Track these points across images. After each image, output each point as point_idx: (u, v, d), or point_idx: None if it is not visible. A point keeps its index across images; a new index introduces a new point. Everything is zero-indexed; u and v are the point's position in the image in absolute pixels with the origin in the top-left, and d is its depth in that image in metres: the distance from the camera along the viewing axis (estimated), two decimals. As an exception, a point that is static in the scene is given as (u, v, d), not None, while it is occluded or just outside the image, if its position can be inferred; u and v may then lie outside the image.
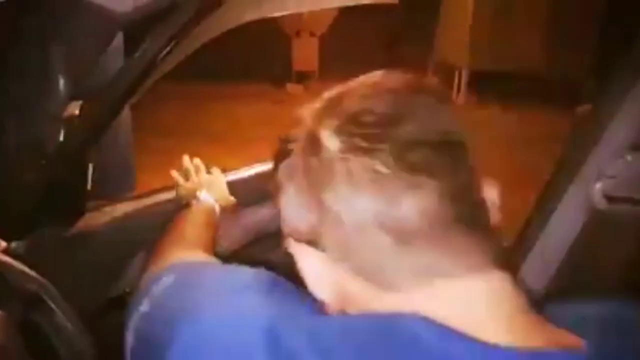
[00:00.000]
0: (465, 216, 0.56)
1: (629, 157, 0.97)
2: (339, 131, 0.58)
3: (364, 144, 0.55)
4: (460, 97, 8.03)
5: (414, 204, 0.53)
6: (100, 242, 1.62)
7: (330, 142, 0.58)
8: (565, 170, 1.09)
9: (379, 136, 0.55)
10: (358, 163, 0.54)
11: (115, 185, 3.82)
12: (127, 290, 1.57)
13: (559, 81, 7.50)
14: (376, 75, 0.69)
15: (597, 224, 1.03)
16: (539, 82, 7.55)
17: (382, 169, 0.53)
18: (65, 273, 1.37)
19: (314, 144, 0.60)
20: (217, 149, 5.52)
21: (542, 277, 0.99)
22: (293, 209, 0.62)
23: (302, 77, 9.09)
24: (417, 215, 0.53)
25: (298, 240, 0.62)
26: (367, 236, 0.54)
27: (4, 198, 1.25)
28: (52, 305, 1.10)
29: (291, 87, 9.01)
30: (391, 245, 0.53)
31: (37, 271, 1.18)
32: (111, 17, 0.82)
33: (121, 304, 1.27)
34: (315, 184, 0.58)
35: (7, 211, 1.31)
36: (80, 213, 1.53)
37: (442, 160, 0.56)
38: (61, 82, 1.17)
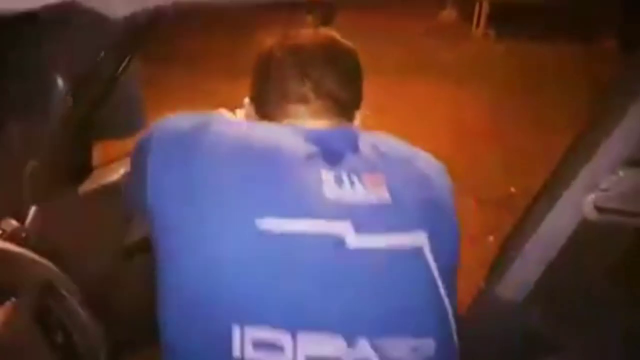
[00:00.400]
0: None
1: (621, 173, 0.97)
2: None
3: None
4: (479, 30, 7.80)
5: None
6: (111, 195, 1.64)
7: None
8: (558, 182, 1.09)
9: None
10: None
11: (125, 125, 3.86)
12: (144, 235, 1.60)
13: (582, 16, 7.21)
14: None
15: (585, 234, 1.05)
16: (562, 17, 7.25)
17: None
18: (80, 232, 1.42)
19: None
20: (236, 85, 5.46)
21: (523, 286, 1.01)
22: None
23: (313, 8, 8.74)
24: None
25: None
26: None
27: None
28: (64, 292, 1.16)
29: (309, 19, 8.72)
30: None
31: (53, 237, 1.23)
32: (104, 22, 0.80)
33: (142, 248, 1.33)
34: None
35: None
36: (88, 170, 1.53)
37: None
38: (59, 81, 1.16)
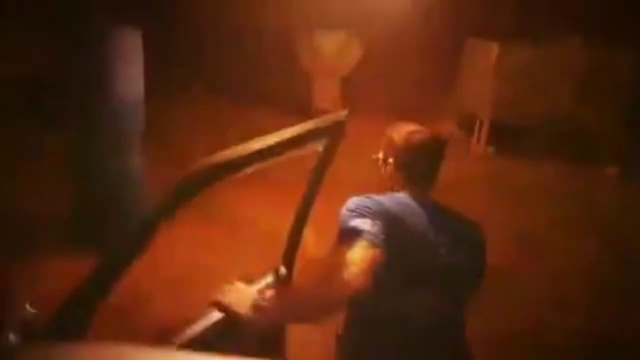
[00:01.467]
0: None
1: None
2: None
3: None
4: (479, 147, 7.91)
5: None
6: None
7: None
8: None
9: None
10: None
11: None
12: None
13: (584, 136, 7.37)
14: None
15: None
16: (563, 137, 7.40)
17: None
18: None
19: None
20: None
21: None
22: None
23: (322, 115, 9.04)
24: None
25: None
26: None
27: None
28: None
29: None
30: None
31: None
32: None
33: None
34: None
35: None
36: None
37: None
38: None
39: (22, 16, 9.67)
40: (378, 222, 1.44)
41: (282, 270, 2.00)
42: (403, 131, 1.70)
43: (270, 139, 1.39)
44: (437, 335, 1.53)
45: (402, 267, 1.47)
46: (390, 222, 1.47)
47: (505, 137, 7.63)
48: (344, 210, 1.53)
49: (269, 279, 1.95)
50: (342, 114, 1.68)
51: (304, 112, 9.13)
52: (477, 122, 7.93)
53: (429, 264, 1.53)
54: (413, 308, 1.49)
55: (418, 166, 1.68)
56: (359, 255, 1.35)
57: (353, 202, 1.55)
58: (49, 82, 6.19)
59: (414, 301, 1.49)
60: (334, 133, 1.69)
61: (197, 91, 9.66)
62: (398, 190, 1.67)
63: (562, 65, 7.41)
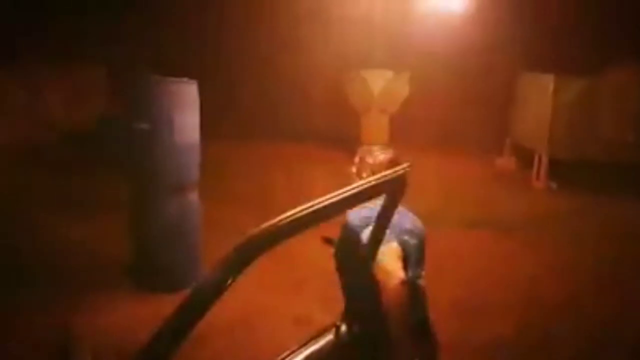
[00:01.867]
0: None
1: None
2: None
3: None
4: (540, 182, 7.56)
5: None
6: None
7: None
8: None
9: None
10: None
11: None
12: None
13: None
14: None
15: None
16: (625, 171, 7.01)
17: None
18: None
19: None
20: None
21: None
22: None
23: (370, 151, 9.05)
24: None
25: None
26: None
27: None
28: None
29: (359, 161, 8.97)
30: None
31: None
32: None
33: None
34: None
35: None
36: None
37: None
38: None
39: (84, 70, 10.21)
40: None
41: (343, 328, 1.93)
42: (374, 154, 2.21)
43: (332, 198, 1.36)
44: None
45: None
46: None
47: (566, 172, 7.30)
48: (350, 226, 2.09)
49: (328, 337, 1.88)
50: (403, 167, 1.65)
51: (352, 148, 9.14)
52: (536, 157, 7.64)
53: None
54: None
55: None
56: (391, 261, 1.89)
57: (354, 217, 2.08)
58: (110, 133, 6.48)
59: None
60: (395, 188, 1.67)
61: (250, 131, 9.84)
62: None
63: (621, 95, 7.10)
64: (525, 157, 8.02)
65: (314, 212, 1.30)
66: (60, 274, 4.20)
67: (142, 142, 3.93)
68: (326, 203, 1.34)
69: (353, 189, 1.45)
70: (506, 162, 8.56)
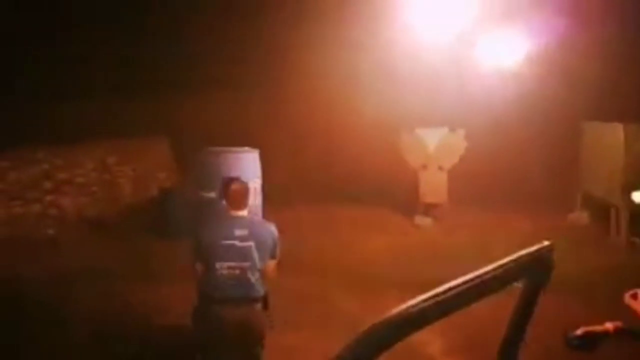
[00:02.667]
0: None
1: None
2: None
3: None
4: (620, 237, 7.00)
5: None
6: None
7: None
8: None
9: None
10: None
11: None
12: None
13: None
14: None
15: None
16: None
17: None
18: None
19: None
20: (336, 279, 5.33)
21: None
22: None
23: (430, 210, 8.91)
24: None
25: None
26: None
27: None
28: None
29: (419, 219, 8.82)
30: None
31: None
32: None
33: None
34: None
35: None
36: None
37: None
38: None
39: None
40: None
41: None
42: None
43: (459, 284, 1.16)
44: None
45: None
46: None
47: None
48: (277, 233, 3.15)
49: None
50: (548, 245, 1.37)
51: (411, 206, 9.06)
52: (612, 210, 7.18)
53: None
54: None
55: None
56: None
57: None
58: (173, 204, 6.73)
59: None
60: (537, 270, 1.36)
61: (309, 194, 9.94)
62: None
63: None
64: (598, 211, 7.58)
65: (442, 301, 1.10)
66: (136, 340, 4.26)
67: (207, 210, 4.07)
68: (458, 288, 1.13)
69: (484, 273, 1.19)
70: (579, 216, 8.12)
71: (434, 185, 8.84)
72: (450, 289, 1.10)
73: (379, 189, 9.73)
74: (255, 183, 4.23)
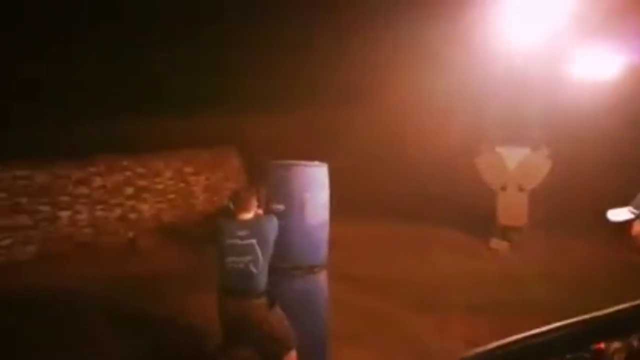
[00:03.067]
0: None
1: None
2: None
3: None
4: None
5: None
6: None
7: None
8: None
9: None
10: None
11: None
12: None
13: None
14: None
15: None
16: None
17: None
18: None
19: None
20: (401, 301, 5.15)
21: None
22: None
23: (507, 233, 8.44)
24: None
25: None
26: None
27: None
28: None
29: (495, 243, 8.37)
30: None
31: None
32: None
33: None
34: None
35: None
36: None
37: None
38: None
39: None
40: None
41: None
42: None
43: (562, 327, 1.00)
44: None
45: None
46: None
47: None
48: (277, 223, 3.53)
49: None
50: None
51: (487, 228, 8.65)
52: None
53: None
54: None
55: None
56: None
57: None
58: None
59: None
60: None
61: (378, 211, 9.80)
62: None
63: None
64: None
65: (550, 341, 0.96)
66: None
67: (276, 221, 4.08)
68: (567, 331, 0.98)
69: (603, 315, 0.99)
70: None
71: (513, 207, 8.37)
72: (551, 330, 0.95)
73: (455, 208, 9.40)
74: (323, 197, 4.17)
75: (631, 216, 1.86)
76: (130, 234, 8.14)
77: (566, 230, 7.98)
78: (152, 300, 5.52)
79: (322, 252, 4.14)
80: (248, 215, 3.50)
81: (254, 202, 3.55)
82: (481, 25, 7.49)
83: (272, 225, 3.49)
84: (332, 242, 4.18)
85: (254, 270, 3.34)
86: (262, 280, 3.38)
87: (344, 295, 5.43)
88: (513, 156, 8.47)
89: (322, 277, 4.16)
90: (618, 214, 1.88)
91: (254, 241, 3.36)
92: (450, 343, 4.29)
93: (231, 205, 3.52)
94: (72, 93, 13.11)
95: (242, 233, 3.38)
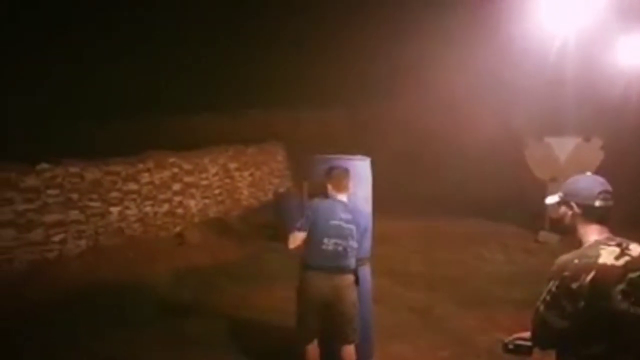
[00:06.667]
0: None
1: None
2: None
3: None
4: None
5: None
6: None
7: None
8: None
9: None
10: None
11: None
12: None
13: None
14: None
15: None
16: None
17: None
18: None
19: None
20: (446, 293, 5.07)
21: None
22: None
23: (557, 225, 8.15)
24: None
25: None
26: None
27: None
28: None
29: (544, 236, 8.10)
30: None
31: None
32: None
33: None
34: None
35: None
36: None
37: None
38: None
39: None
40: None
41: None
42: None
43: None
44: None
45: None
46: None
47: None
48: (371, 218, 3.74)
49: None
50: None
51: (536, 221, 8.39)
52: None
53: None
54: None
55: None
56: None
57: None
58: (286, 207, 6.90)
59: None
60: None
61: (423, 207, 9.69)
62: None
63: None
64: None
65: None
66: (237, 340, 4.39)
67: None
68: None
69: None
70: None
71: (563, 199, 8.08)
72: None
73: (503, 201, 9.17)
74: (365, 191, 4.14)
75: (557, 199, 1.99)
76: (178, 229, 8.35)
77: (616, 222, 7.62)
78: (199, 291, 5.65)
79: (367, 245, 4.12)
80: (345, 196, 3.54)
81: (350, 183, 3.57)
82: (524, 17, 7.25)
83: (367, 213, 3.64)
84: (377, 237, 4.15)
85: (350, 252, 3.46)
86: (354, 260, 3.51)
87: (390, 289, 5.39)
88: (563, 147, 8.17)
89: (366, 271, 4.13)
90: (551, 199, 2.04)
91: (353, 227, 3.46)
92: (496, 338, 4.19)
93: (328, 186, 3.53)
94: (120, 91, 13.58)
95: (345, 216, 3.46)
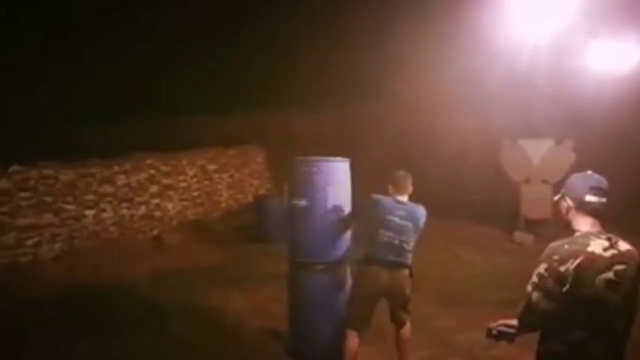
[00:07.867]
0: None
1: None
2: None
3: None
4: None
5: None
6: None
7: None
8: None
9: None
10: None
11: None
12: None
13: None
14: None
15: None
16: None
17: None
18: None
19: None
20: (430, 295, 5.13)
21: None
22: None
23: (532, 226, 8.31)
24: None
25: None
26: None
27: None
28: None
29: (519, 236, 8.26)
30: None
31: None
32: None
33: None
34: None
35: None
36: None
37: None
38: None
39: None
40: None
41: None
42: None
43: None
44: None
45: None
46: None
47: None
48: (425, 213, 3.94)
49: None
50: None
51: (511, 222, 8.54)
52: None
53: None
54: None
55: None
56: None
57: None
58: (265, 210, 6.83)
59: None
60: None
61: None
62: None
63: None
64: None
65: None
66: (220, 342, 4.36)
67: (299, 218, 4.08)
68: None
69: None
70: None
71: (537, 200, 8.25)
72: None
73: (477, 202, 9.30)
74: (345, 192, 4.20)
75: (559, 196, 2.15)
76: (155, 232, 8.25)
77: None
78: (178, 294, 5.60)
79: (346, 246, 4.15)
80: (404, 197, 3.85)
81: (410, 185, 3.90)
82: (498, 21, 7.37)
83: (422, 213, 3.85)
84: (358, 238, 4.19)
85: (406, 247, 3.75)
86: (410, 255, 3.78)
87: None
88: (536, 149, 8.35)
89: (345, 272, 4.16)
90: (556, 196, 2.22)
91: (410, 224, 3.75)
92: (475, 337, 4.26)
93: (389, 186, 3.85)
94: (97, 93, 13.36)
95: (401, 213, 3.76)
